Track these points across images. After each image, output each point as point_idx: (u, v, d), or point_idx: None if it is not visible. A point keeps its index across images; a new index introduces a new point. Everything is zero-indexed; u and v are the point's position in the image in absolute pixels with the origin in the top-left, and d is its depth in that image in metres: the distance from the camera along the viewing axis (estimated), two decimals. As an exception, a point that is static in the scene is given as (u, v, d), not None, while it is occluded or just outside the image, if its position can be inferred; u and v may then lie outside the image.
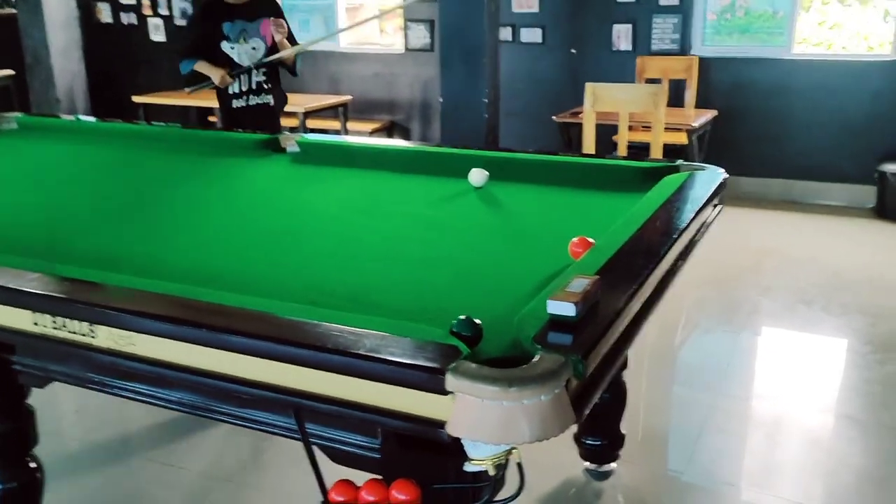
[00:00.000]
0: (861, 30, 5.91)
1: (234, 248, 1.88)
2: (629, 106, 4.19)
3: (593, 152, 4.30)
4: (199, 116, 7.38)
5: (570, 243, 1.71)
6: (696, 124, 4.67)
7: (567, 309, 1.27)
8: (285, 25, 3.90)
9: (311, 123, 6.35)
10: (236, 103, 3.90)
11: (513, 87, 6.00)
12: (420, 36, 6.60)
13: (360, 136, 6.71)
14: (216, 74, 3.77)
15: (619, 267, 1.53)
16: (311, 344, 1.23)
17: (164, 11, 7.63)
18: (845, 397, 3.00)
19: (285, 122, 6.65)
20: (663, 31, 5.80)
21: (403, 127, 6.95)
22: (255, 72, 3.87)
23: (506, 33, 6.08)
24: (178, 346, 1.34)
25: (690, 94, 5.61)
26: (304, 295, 1.55)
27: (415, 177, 2.59)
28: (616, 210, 2.11)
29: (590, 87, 4.18)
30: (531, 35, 6.21)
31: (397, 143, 3.00)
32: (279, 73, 4.05)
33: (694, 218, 1.90)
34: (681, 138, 5.08)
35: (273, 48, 3.85)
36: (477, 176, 2.37)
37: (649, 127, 4.46)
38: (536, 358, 1.15)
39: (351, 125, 6.68)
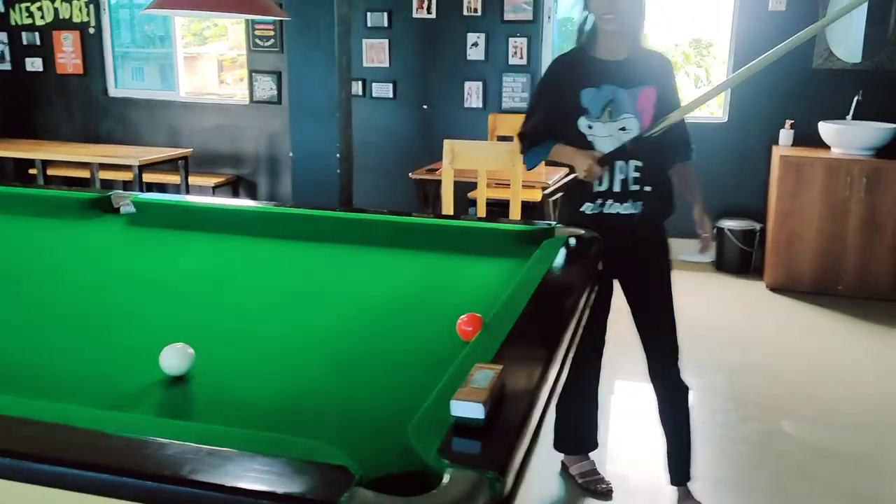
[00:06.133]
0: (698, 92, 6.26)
1: (43, 338, 1.54)
2: (488, 163, 4.13)
3: (452, 210, 4.19)
4: (17, 170, 6.69)
5: (458, 321, 1.52)
6: (550, 182, 4.69)
7: (474, 411, 1.07)
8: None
9: (148, 177, 5.88)
10: (589, 209, 2.46)
11: (364, 143, 5.84)
12: (266, 88, 6.33)
13: (203, 191, 6.30)
14: (580, 161, 2.36)
15: (519, 350, 1.36)
16: (151, 473, 0.95)
17: (-24, 53, 6.91)
18: (715, 461, 2.97)
19: (118, 175, 6.15)
20: (513, 89, 5.87)
21: (249, 181, 6.59)
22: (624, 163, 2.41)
23: (356, 87, 5.94)
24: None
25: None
26: (141, 398, 1.26)
27: (269, 241, 2.33)
28: (497, 278, 1.96)
29: (448, 144, 4.09)
30: (382, 90, 6.10)
31: (248, 203, 2.72)
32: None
33: (584, 286, 1.78)
34: (535, 195, 5.09)
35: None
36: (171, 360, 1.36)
37: (505, 184, 4.43)
38: (446, 479, 0.94)
39: (193, 179, 6.25)
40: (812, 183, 4.82)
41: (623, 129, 2.38)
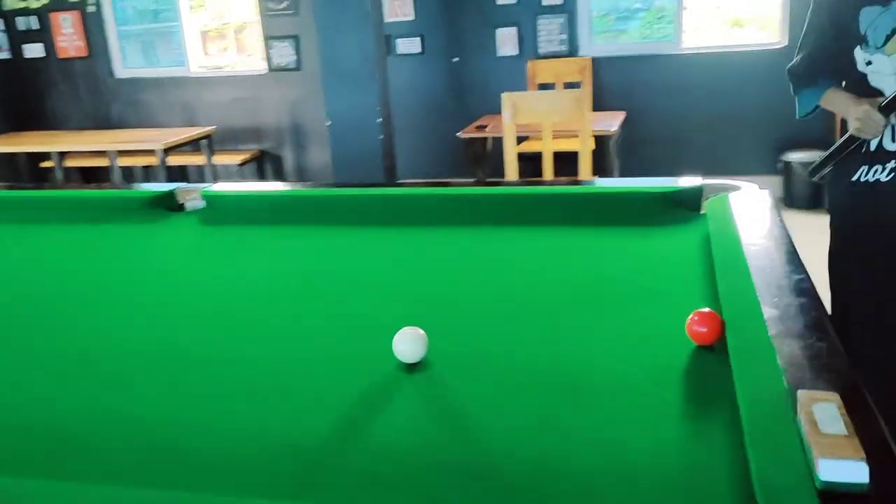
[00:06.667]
0: (744, 15, 5.84)
1: (180, 385, 1.24)
2: (553, 115, 3.79)
3: (515, 169, 3.86)
4: (29, 164, 6.34)
5: (688, 322, 1.22)
6: (613, 128, 4.35)
7: (857, 472, 0.77)
8: None
9: (171, 160, 5.54)
10: (864, 175, 1.84)
11: (394, 103, 5.47)
12: (284, 54, 5.94)
13: (228, 170, 5.97)
14: (853, 109, 1.76)
15: (812, 361, 1.05)
16: None
17: (-30, 44, 6.51)
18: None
19: (137, 160, 5.80)
20: (549, 32, 5.49)
21: (274, 155, 6.25)
22: None
23: (381, 45, 5.56)
24: None
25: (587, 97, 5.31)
26: (344, 471, 0.97)
27: (366, 230, 2.01)
28: (672, 254, 1.65)
29: (508, 98, 3.74)
30: (408, 45, 5.72)
31: (345, 186, 2.39)
32: None
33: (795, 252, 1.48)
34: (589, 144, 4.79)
35: None
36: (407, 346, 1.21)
37: (560, 135, 4.10)
38: None
39: (216, 159, 5.91)
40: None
41: None
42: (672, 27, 5.41)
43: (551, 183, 2.38)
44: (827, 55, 1.85)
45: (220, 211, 2.24)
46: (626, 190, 2.01)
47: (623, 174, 4.88)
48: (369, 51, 4.39)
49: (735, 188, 1.94)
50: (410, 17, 5.66)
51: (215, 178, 5.46)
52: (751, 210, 1.75)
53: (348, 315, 1.47)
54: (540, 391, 1.12)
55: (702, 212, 1.95)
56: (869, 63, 1.75)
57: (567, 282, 1.56)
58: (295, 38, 5.85)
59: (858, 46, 1.76)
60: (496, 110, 5.54)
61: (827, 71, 1.86)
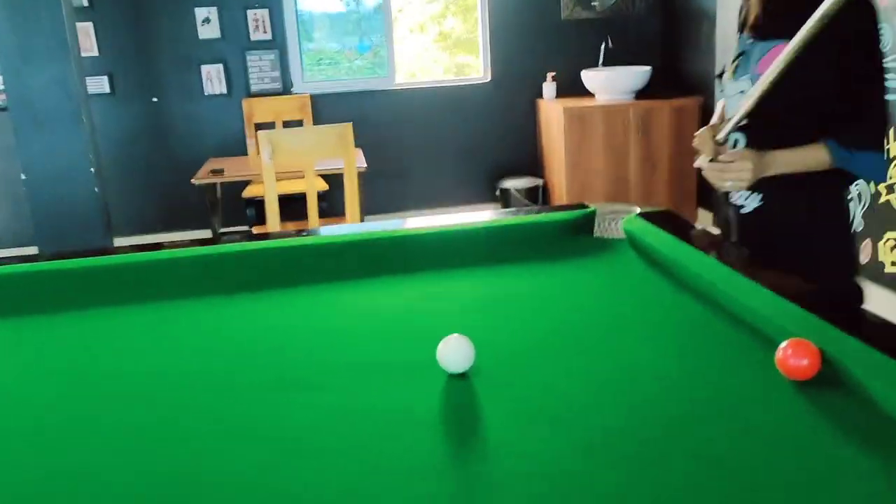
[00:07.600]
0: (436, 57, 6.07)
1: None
2: (316, 153, 3.49)
3: (278, 216, 3.49)
4: None
5: (779, 355, 1.10)
6: (363, 165, 4.17)
7: None
8: None
9: None
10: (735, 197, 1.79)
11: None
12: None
13: None
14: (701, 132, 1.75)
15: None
16: None
17: None
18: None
19: None
20: (261, 69, 5.15)
21: (-80, 223, 4.99)
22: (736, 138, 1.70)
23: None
24: None
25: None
26: None
27: (252, 297, 1.60)
28: (626, 281, 1.54)
29: (265, 136, 3.35)
30: (96, 84, 4.96)
31: (198, 243, 1.90)
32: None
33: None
34: (322, 184, 4.60)
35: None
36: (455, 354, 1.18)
37: (295, 176, 3.83)
38: None
39: None
40: (594, 131, 4.94)
41: (743, 92, 1.68)
42: (384, 65, 5.42)
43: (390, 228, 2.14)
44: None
45: None
46: (518, 221, 1.85)
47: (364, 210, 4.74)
48: (72, 87, 3.69)
49: (632, 210, 1.90)
50: (94, 52, 4.93)
51: None
52: (679, 229, 1.70)
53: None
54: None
55: (595, 235, 1.89)
56: (722, 90, 1.80)
57: (553, 328, 1.35)
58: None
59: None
60: (216, 153, 5.06)
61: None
